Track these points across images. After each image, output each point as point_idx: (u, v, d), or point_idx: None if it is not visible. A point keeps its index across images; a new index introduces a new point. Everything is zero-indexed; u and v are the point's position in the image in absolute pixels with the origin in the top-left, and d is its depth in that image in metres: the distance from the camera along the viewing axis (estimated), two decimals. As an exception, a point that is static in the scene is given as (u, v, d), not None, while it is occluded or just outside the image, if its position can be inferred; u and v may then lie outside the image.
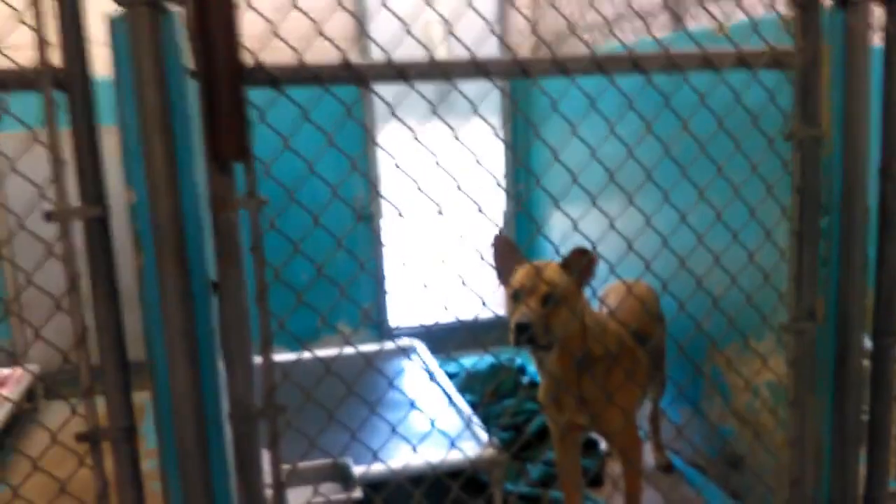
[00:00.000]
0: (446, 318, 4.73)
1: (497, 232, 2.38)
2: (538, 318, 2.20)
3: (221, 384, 1.41)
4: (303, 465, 2.53)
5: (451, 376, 3.88)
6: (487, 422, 3.42)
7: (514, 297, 2.28)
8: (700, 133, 1.92)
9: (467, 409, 3.17)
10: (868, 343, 2.05)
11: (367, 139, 4.48)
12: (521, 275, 2.29)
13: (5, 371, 3.97)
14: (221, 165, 1.31)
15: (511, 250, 2.36)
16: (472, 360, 4.03)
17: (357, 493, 2.41)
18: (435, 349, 4.39)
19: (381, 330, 4.83)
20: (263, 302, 1.39)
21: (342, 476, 2.56)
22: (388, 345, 4.22)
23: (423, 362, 3.93)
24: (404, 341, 4.30)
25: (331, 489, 2.53)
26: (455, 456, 2.58)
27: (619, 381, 2.33)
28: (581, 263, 2.28)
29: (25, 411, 3.93)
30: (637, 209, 1.90)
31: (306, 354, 4.02)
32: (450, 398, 3.38)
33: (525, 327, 2.18)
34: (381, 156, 4.52)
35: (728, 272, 1.96)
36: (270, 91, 1.41)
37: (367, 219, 4.60)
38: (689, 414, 3.10)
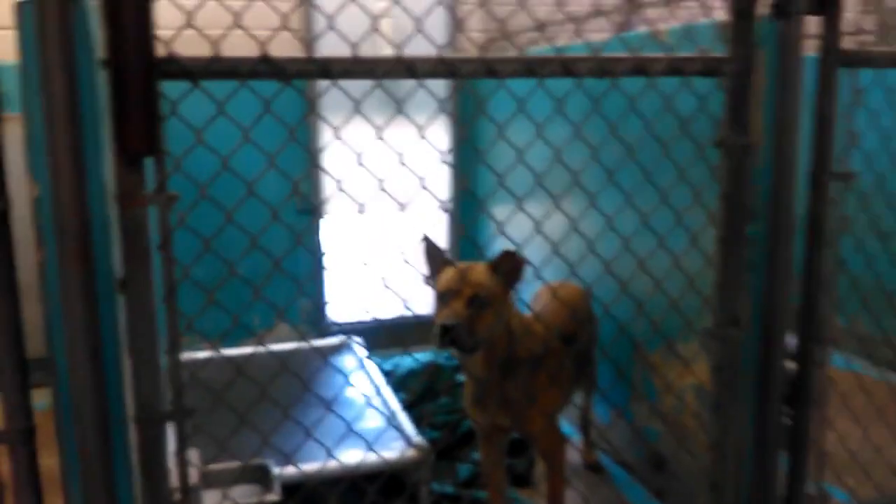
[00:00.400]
0: (385, 314, 4.80)
1: (423, 235, 2.38)
2: (463, 321, 2.20)
3: (127, 385, 1.38)
4: (218, 466, 2.49)
5: (387, 374, 3.87)
6: (420, 421, 3.41)
7: (440, 299, 2.28)
8: (630, 137, 1.93)
9: (395, 408, 3.15)
10: (791, 345, 2.10)
11: (310, 132, 4.43)
12: (447, 277, 2.29)
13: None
14: (130, 159, 1.27)
15: (438, 252, 2.36)
16: (409, 359, 4.01)
17: (274, 496, 2.38)
18: (373, 346, 4.37)
19: (321, 327, 4.79)
20: (172, 301, 1.36)
21: (261, 478, 2.52)
22: (324, 341, 4.19)
23: (358, 359, 3.91)
24: (339, 338, 4.27)
25: (248, 491, 2.50)
26: (376, 456, 2.57)
27: (542, 384, 2.35)
28: (508, 265, 2.29)
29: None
30: (563, 213, 1.91)
31: (228, 352, 3.99)
32: (381, 396, 3.37)
33: (448, 329, 2.18)
34: (330, 149, 4.47)
35: (653, 277, 1.98)
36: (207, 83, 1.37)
37: (308, 212, 4.55)
38: (617, 414, 3.13)
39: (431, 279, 2.36)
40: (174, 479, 1.44)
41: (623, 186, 1.89)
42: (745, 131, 1.87)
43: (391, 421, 2.96)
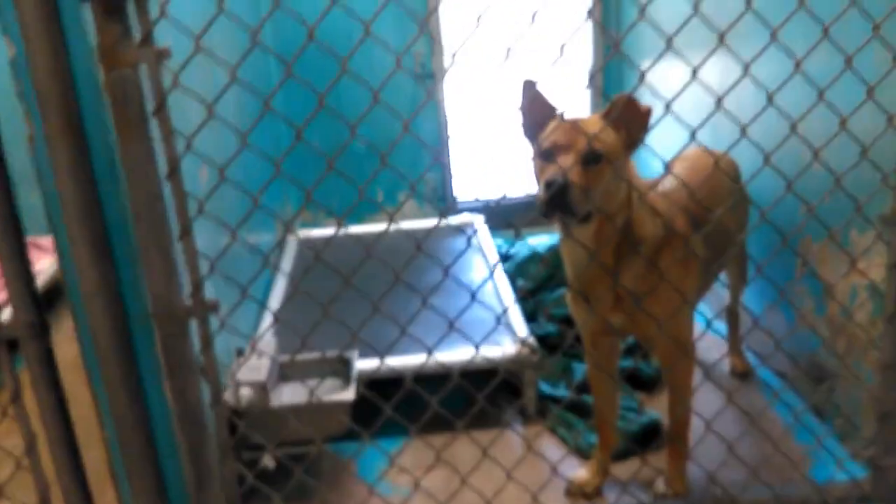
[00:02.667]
0: (512, 192, 4.55)
1: (526, 80, 2.04)
2: (577, 178, 1.88)
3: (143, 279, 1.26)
4: (292, 357, 2.43)
5: (507, 258, 3.69)
6: (537, 312, 3.23)
7: (545, 157, 1.95)
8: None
9: (507, 299, 2.98)
10: None
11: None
12: (554, 129, 1.96)
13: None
14: (107, 6, 1.09)
15: (542, 101, 2.02)
16: (536, 241, 3.78)
17: (347, 395, 2.28)
18: (498, 226, 4.18)
19: (447, 204, 4.64)
20: (176, 180, 1.20)
21: (342, 371, 2.44)
22: (444, 221, 4.04)
23: (478, 242, 3.74)
24: (463, 217, 4.11)
25: (330, 387, 2.43)
26: (474, 353, 2.41)
27: (666, 274, 2.01)
28: (628, 116, 1.93)
29: None
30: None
31: (344, 231, 3.93)
32: (494, 284, 3.20)
33: (560, 188, 1.83)
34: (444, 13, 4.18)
35: (806, 143, 1.60)
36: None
37: (428, 76, 4.32)
38: (777, 313, 2.79)
39: (534, 134, 2.05)
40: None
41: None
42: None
43: (500, 313, 2.79)
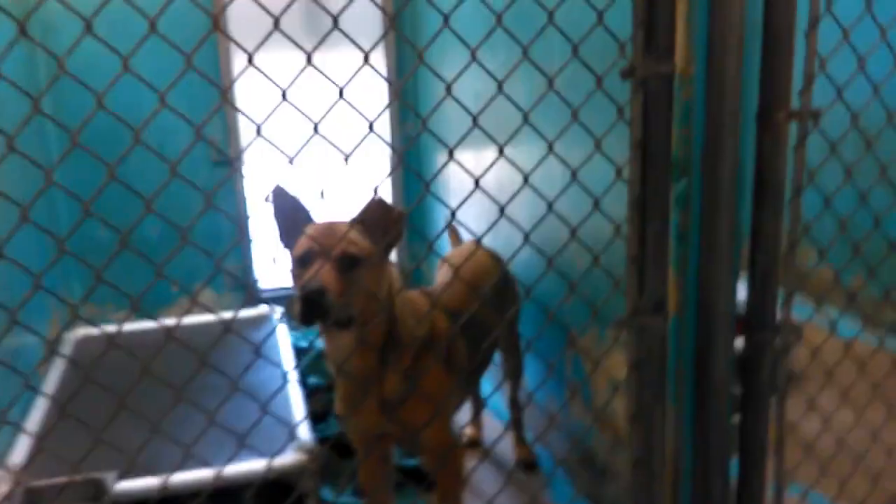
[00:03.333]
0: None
1: (275, 185, 1.96)
2: (332, 283, 1.80)
3: None
4: (42, 483, 2.16)
5: (306, 351, 3.52)
6: (329, 412, 3.07)
7: (301, 264, 1.88)
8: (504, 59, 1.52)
9: (294, 398, 2.81)
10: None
11: (220, 64, 4.01)
12: (308, 234, 1.89)
13: None
14: None
15: (296, 206, 1.95)
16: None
17: None
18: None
19: (249, 293, 4.42)
20: None
21: (96, 496, 2.19)
22: (242, 313, 3.83)
23: (274, 335, 3.55)
24: (260, 309, 3.91)
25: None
26: (252, 464, 2.21)
27: (432, 375, 1.95)
28: (381, 219, 1.90)
29: None
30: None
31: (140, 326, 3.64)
32: (285, 383, 3.01)
33: (316, 295, 1.76)
34: (239, 90, 4.05)
35: (537, 249, 1.57)
36: None
37: (225, 164, 4.14)
38: (554, 400, 2.77)
39: (288, 241, 1.95)
40: None
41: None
42: (666, 55, 1.46)
43: (284, 416, 2.60)
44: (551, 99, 1.44)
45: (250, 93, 3.90)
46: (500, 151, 1.44)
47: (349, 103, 1.37)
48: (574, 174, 1.48)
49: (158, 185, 1.26)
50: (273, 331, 3.60)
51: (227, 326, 1.43)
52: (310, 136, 1.36)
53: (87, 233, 1.55)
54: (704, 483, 1.76)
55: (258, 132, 1.35)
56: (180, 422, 1.56)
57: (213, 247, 4.31)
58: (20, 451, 2.60)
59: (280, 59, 1.54)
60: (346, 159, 1.39)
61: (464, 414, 3.06)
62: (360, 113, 1.35)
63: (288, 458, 2.41)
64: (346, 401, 2.03)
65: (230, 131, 4.14)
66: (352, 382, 1.98)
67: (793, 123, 1.57)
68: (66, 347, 3.53)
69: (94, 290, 1.35)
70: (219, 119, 4.07)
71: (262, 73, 1.41)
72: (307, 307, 1.77)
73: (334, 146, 1.39)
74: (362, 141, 1.40)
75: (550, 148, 1.44)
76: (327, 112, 1.35)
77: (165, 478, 2.24)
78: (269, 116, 1.33)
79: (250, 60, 1.25)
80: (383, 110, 1.41)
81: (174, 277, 4.29)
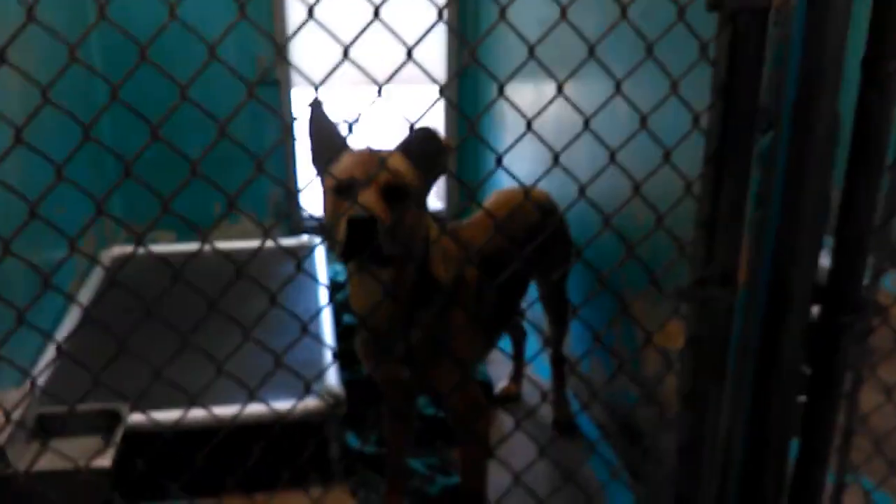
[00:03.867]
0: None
1: (312, 101, 1.78)
2: (383, 215, 1.62)
3: None
4: (55, 409, 2.09)
5: (342, 287, 3.39)
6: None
7: (341, 192, 1.71)
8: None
9: (325, 339, 2.68)
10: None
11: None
12: (348, 161, 1.73)
13: None
14: None
15: (332, 127, 1.77)
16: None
17: (103, 461, 1.95)
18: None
19: (293, 221, 4.31)
20: None
21: (109, 426, 2.10)
22: (277, 242, 3.69)
23: (313, 268, 3.43)
24: (300, 239, 3.78)
25: (88, 447, 2.07)
26: (273, 406, 2.09)
27: (456, 324, 1.80)
28: (426, 149, 1.74)
29: None
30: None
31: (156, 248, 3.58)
32: (317, 321, 2.89)
33: (366, 224, 1.57)
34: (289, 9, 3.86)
35: (596, 206, 1.38)
36: None
37: (272, 83, 3.98)
38: (599, 363, 2.60)
39: (324, 165, 1.78)
40: None
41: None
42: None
43: (309, 358, 2.49)
44: (623, 31, 1.24)
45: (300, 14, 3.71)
46: (559, 89, 1.25)
47: (387, 25, 1.19)
48: (643, 120, 1.27)
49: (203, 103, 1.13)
50: (308, 261, 3.46)
51: (254, 255, 1.27)
52: (339, 62, 1.18)
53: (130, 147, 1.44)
54: (758, 473, 1.59)
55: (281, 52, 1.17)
56: (211, 350, 1.43)
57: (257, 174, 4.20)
58: (43, 371, 2.54)
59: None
60: (380, 91, 1.21)
61: (504, 367, 2.92)
62: (398, 36, 1.16)
63: (311, 403, 2.30)
64: (369, 347, 1.90)
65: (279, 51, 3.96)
66: (378, 329, 1.83)
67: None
68: (98, 269, 3.46)
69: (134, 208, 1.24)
70: (266, 38, 3.89)
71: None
72: (354, 238, 1.59)
73: (365, 73, 1.20)
74: (400, 69, 1.22)
75: (618, 87, 1.24)
76: (360, 34, 1.17)
77: (182, 413, 2.15)
78: (293, 35, 1.16)
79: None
80: (425, 34, 1.21)
81: (218, 199, 4.20)
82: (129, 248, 3.72)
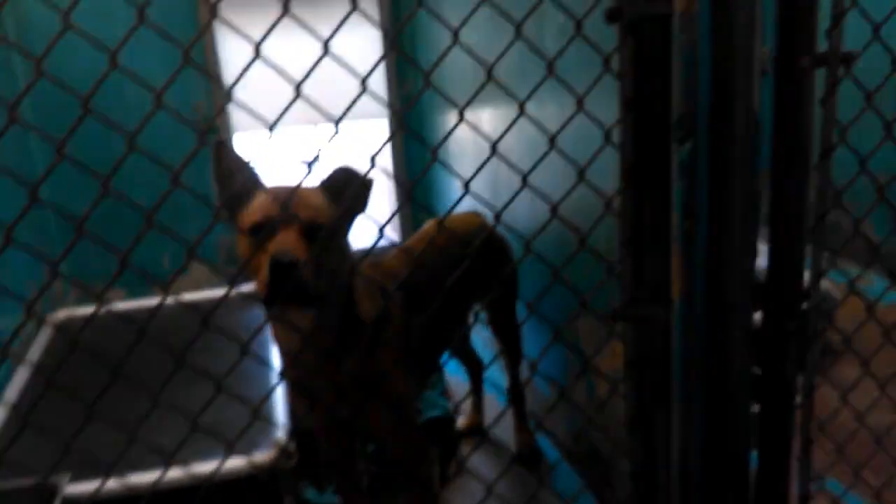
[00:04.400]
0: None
1: (217, 138, 1.72)
2: (305, 255, 1.55)
3: None
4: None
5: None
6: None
7: (255, 232, 1.63)
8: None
9: (279, 387, 2.60)
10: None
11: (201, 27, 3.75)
12: (264, 200, 1.66)
13: None
14: None
15: (241, 166, 1.70)
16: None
17: None
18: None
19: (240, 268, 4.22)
20: None
21: (47, 501, 2.00)
22: (235, 290, 3.61)
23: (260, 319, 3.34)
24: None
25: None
26: (230, 462, 2.02)
27: (386, 362, 1.74)
28: (346, 186, 1.69)
29: None
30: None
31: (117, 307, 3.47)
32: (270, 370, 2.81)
33: (288, 269, 1.50)
34: (224, 54, 3.80)
35: (510, 230, 1.33)
36: None
37: (212, 132, 3.92)
38: (556, 389, 2.53)
39: (232, 209, 1.71)
40: None
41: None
42: (662, -10, 1.20)
43: (264, 407, 2.39)
44: (527, 50, 1.19)
45: (236, 55, 3.66)
46: (461, 116, 1.19)
47: (335, 57, 1.13)
48: (552, 140, 1.22)
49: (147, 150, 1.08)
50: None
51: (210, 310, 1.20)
52: (292, 99, 1.12)
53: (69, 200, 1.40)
54: (719, 490, 1.53)
55: (229, 95, 1.12)
56: (156, 415, 1.35)
57: (205, 218, 4.13)
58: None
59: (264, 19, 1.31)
60: (337, 124, 1.15)
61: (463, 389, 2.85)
62: (348, 68, 1.11)
63: (263, 457, 2.21)
64: (299, 392, 1.83)
65: (214, 98, 3.90)
66: (305, 372, 1.76)
67: (819, 70, 1.30)
68: (46, 330, 3.35)
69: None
70: (202, 84, 3.83)
71: (235, 29, 1.18)
72: (276, 284, 1.52)
73: (316, 107, 1.14)
74: (355, 101, 1.16)
75: (521, 109, 1.19)
76: (310, 71, 1.12)
77: (124, 479, 2.05)
78: (240, 77, 1.11)
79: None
80: (378, 63, 1.16)
81: (166, 250, 4.11)
82: (77, 310, 3.61)
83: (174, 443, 1.26)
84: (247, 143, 4.02)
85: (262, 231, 1.61)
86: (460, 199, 1.29)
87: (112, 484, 2.07)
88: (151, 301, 3.62)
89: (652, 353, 1.36)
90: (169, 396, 1.21)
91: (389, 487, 2.42)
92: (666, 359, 1.39)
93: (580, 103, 1.21)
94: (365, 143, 4.09)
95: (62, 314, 3.55)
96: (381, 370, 1.74)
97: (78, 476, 2.09)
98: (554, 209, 1.28)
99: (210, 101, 3.86)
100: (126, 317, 1.18)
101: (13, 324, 3.15)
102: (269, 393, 1.29)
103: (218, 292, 3.72)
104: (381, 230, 1.23)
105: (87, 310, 3.62)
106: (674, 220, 1.36)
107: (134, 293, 3.91)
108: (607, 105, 1.29)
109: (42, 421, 1.21)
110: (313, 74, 1.12)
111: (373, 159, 1.37)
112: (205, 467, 2.13)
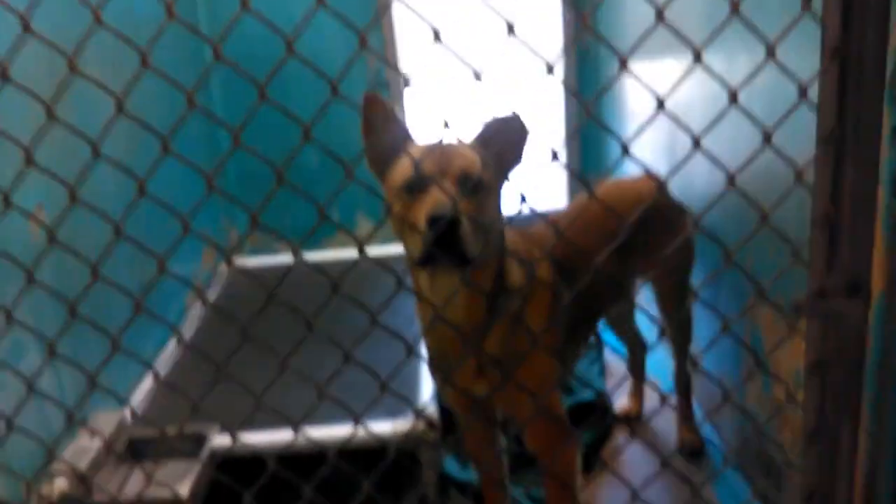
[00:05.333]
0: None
1: (365, 92, 1.60)
2: (464, 210, 1.42)
3: None
4: (144, 433, 2.04)
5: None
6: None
7: (411, 190, 1.51)
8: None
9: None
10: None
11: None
12: (418, 154, 1.55)
13: None
14: None
15: (392, 120, 1.58)
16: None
17: (181, 488, 1.87)
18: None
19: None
20: None
21: (194, 450, 2.03)
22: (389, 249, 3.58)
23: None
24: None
25: (175, 472, 2.00)
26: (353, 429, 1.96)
27: (533, 337, 1.57)
28: (503, 138, 1.56)
29: None
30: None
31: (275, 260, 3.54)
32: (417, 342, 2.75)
33: (449, 226, 1.38)
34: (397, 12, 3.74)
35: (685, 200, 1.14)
36: None
37: (382, 87, 3.88)
38: (727, 376, 2.28)
39: (384, 164, 1.61)
40: None
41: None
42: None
43: (407, 380, 2.34)
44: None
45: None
46: (623, 64, 1.02)
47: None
48: (733, 95, 1.03)
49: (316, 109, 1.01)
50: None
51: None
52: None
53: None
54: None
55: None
56: (310, 368, 1.31)
57: (370, 177, 4.14)
58: (145, 391, 2.52)
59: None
60: (478, 76, 1.03)
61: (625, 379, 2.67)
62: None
63: (404, 425, 2.14)
64: (441, 358, 1.71)
65: (388, 55, 3.86)
66: (450, 336, 1.64)
67: None
68: (219, 279, 3.46)
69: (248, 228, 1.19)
70: (376, 41, 3.79)
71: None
72: (436, 243, 1.40)
73: (465, 61, 1.03)
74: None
75: (697, 57, 1.00)
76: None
77: (266, 435, 2.07)
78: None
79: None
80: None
81: (335, 207, 4.16)
82: (247, 260, 3.72)
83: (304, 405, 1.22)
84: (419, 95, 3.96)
85: (416, 187, 1.51)
86: (619, 161, 1.12)
87: (251, 439, 2.08)
88: (329, 254, 3.63)
89: (841, 354, 1.14)
90: (309, 360, 1.20)
91: (532, 470, 2.30)
92: (858, 363, 1.17)
93: (771, 51, 1.01)
94: (535, 101, 3.94)
95: (237, 263, 3.67)
96: (524, 349, 1.60)
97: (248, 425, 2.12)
98: (731, 179, 1.08)
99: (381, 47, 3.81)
100: (306, 270, 1.17)
101: (185, 269, 3.28)
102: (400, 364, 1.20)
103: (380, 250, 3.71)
104: (523, 197, 1.09)
105: (261, 259, 3.71)
106: (880, 196, 1.13)
107: (306, 245, 3.97)
108: (806, 56, 1.07)
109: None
110: (479, 28, 1.00)
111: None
112: (341, 432, 2.11)
